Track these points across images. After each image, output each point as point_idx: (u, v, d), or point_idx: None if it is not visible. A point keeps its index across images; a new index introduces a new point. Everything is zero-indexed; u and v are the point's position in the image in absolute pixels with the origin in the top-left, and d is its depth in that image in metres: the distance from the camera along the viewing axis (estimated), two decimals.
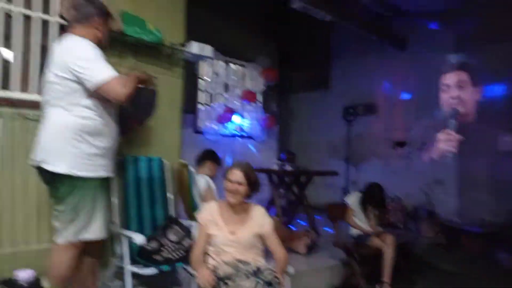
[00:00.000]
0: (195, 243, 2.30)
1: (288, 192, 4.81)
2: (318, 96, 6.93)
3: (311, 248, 3.78)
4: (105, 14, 2.20)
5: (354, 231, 3.64)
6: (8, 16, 2.37)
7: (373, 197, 3.62)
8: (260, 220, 2.31)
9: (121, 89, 2.01)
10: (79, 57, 1.99)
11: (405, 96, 5.85)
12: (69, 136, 2.00)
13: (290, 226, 4.53)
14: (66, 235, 2.03)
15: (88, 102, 2.03)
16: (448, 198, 5.35)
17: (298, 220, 4.80)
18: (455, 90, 1.92)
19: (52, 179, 2.04)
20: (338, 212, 3.68)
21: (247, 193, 2.29)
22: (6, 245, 2.32)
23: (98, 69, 2.00)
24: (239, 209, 2.30)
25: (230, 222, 2.28)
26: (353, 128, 6.38)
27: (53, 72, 2.02)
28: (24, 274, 2.15)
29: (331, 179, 6.04)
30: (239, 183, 2.25)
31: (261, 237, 2.29)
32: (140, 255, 2.43)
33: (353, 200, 3.69)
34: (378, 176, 5.33)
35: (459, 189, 5.16)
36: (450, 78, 1.95)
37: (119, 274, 2.49)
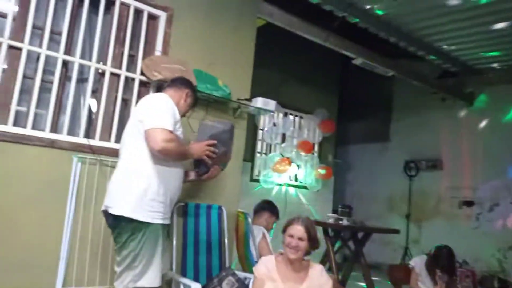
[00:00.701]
0: None
1: (344, 248, 4.61)
2: (377, 149, 6.77)
3: None
4: (195, 92, 2.41)
5: None
6: (100, 74, 2.65)
7: (442, 262, 3.34)
8: (319, 279, 2.24)
9: (160, 141, 1.97)
10: (149, 104, 2.13)
11: (473, 152, 5.54)
12: (135, 181, 2.04)
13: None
14: (125, 281, 2.03)
15: None
16: None
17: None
18: None
19: (115, 224, 2.07)
20: (400, 274, 3.46)
21: (307, 250, 2.24)
22: (71, 283, 2.42)
23: (155, 116, 2.03)
24: (298, 266, 2.25)
25: (288, 279, 2.22)
26: (414, 184, 6.10)
27: (131, 121, 2.17)
28: None
29: (390, 237, 5.72)
30: (300, 239, 2.21)
31: None
32: None
33: (418, 263, 3.43)
34: (443, 236, 4.98)
35: None
36: None
37: None
